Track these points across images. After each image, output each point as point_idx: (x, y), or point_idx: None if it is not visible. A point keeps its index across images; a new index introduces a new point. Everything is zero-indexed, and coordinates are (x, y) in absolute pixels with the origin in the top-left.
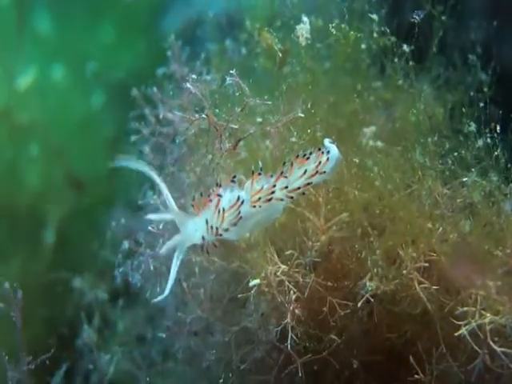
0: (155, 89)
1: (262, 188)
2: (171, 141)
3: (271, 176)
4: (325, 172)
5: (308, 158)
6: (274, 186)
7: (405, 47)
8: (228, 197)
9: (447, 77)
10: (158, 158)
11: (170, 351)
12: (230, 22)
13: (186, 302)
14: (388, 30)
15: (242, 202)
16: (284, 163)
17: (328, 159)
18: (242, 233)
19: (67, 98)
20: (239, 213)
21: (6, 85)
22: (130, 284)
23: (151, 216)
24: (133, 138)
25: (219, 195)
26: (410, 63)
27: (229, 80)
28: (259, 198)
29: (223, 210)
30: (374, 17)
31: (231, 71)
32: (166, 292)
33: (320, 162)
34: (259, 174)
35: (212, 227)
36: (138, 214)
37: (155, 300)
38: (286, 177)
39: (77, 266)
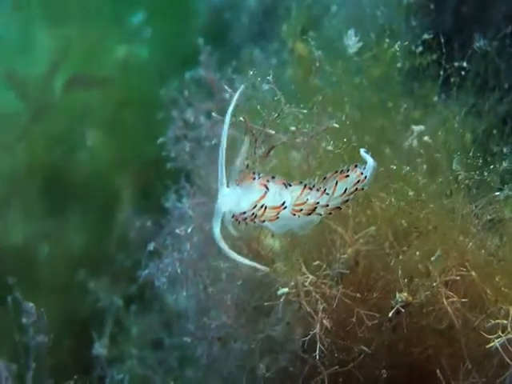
0: (186, 92)
1: (306, 201)
2: (200, 144)
3: (317, 190)
4: (363, 189)
5: (347, 176)
6: (318, 202)
7: (457, 63)
8: (274, 195)
9: (477, 103)
10: (188, 161)
11: (193, 357)
12: (262, 30)
13: (211, 308)
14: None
15: (285, 208)
16: (324, 178)
17: (366, 177)
18: (278, 229)
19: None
20: (277, 214)
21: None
22: (148, 287)
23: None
24: (160, 139)
25: (267, 188)
26: (452, 79)
27: (265, 86)
28: (301, 210)
29: (265, 207)
30: (429, 36)
31: (268, 77)
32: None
33: (359, 181)
34: (310, 188)
35: (253, 213)
36: (163, 217)
37: None
38: (327, 193)
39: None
